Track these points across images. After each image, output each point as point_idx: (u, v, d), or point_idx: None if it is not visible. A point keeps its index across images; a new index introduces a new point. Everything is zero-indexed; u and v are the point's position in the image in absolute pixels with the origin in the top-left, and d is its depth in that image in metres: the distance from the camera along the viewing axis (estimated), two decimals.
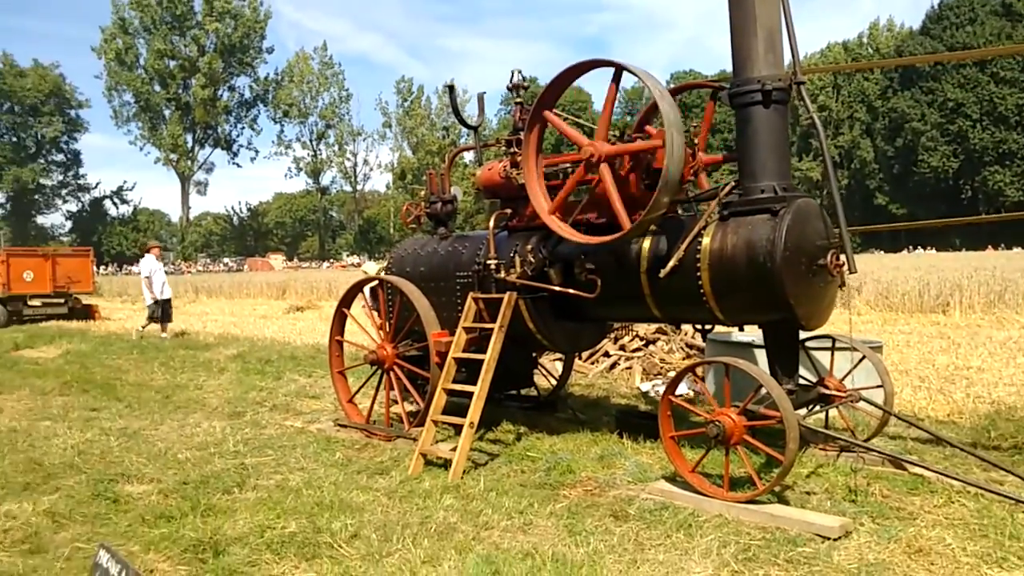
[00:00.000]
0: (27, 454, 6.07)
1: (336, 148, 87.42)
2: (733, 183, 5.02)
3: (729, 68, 5.02)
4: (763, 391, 4.54)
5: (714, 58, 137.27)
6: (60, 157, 76.14)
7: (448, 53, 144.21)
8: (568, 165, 5.60)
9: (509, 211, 6.31)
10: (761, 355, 6.52)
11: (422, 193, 7.15)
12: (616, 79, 5.12)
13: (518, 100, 6.28)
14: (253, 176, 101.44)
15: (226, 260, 79.78)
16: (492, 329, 5.70)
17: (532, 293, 5.81)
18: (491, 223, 6.06)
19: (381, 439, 6.39)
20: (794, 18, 4.89)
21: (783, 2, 4.87)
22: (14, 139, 71.65)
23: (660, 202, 4.74)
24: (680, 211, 5.49)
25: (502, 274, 5.80)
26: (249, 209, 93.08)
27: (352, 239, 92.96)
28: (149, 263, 15.01)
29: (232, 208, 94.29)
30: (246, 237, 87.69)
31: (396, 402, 6.61)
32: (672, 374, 9.02)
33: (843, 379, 5.53)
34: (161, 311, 14.84)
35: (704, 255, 4.93)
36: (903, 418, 5.65)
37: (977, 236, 61.11)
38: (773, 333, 5.18)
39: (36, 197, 74.60)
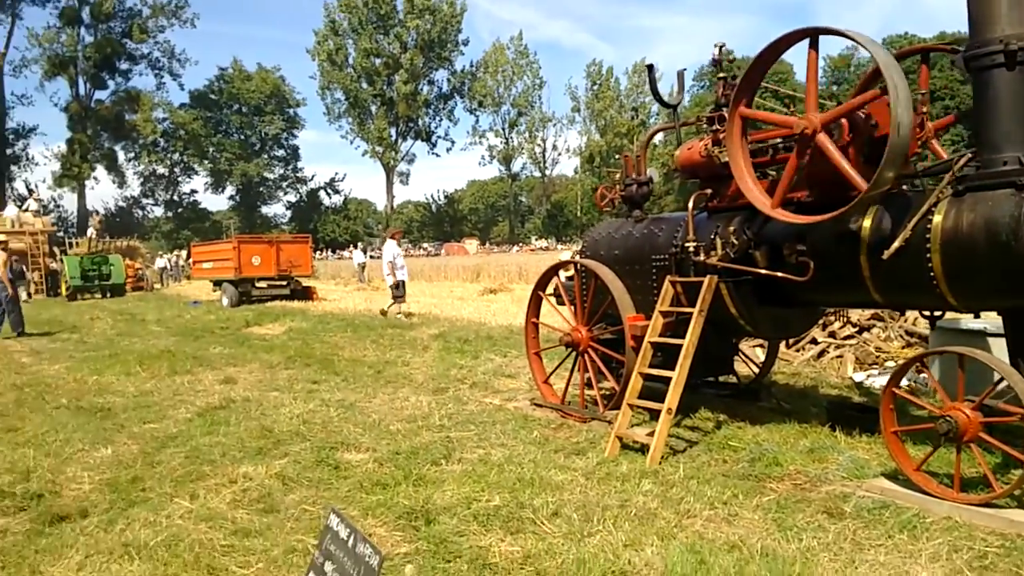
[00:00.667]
0: (259, 421, 6.71)
1: (527, 135, 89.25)
2: (969, 154, 4.49)
3: (951, 30, 4.48)
4: (1003, 384, 4.07)
5: (931, 20, 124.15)
6: (281, 152, 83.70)
7: (639, 32, 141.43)
8: (779, 141, 5.29)
9: (709, 191, 6.09)
10: (996, 344, 5.86)
11: (617, 176, 7.08)
12: (814, 46, 4.74)
13: (721, 75, 6.02)
14: (450, 165, 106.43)
15: (425, 245, 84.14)
16: (690, 313, 5.55)
17: (734, 276, 5.57)
18: (690, 204, 5.88)
19: (576, 420, 6.45)
20: None
21: None
22: (242, 137, 79.70)
23: (884, 177, 4.34)
24: (906, 187, 5.01)
25: (701, 257, 5.62)
26: (446, 196, 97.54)
27: (540, 223, 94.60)
28: (392, 248, 15.96)
29: (431, 196, 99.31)
30: (443, 223, 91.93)
31: (590, 384, 6.64)
32: (891, 364, 8.36)
33: None
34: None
35: (935, 234, 4.46)
36: None
37: None
38: (1016, 320, 4.61)
39: (261, 189, 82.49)
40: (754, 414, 6.36)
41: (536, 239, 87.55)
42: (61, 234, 39.85)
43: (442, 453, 5.50)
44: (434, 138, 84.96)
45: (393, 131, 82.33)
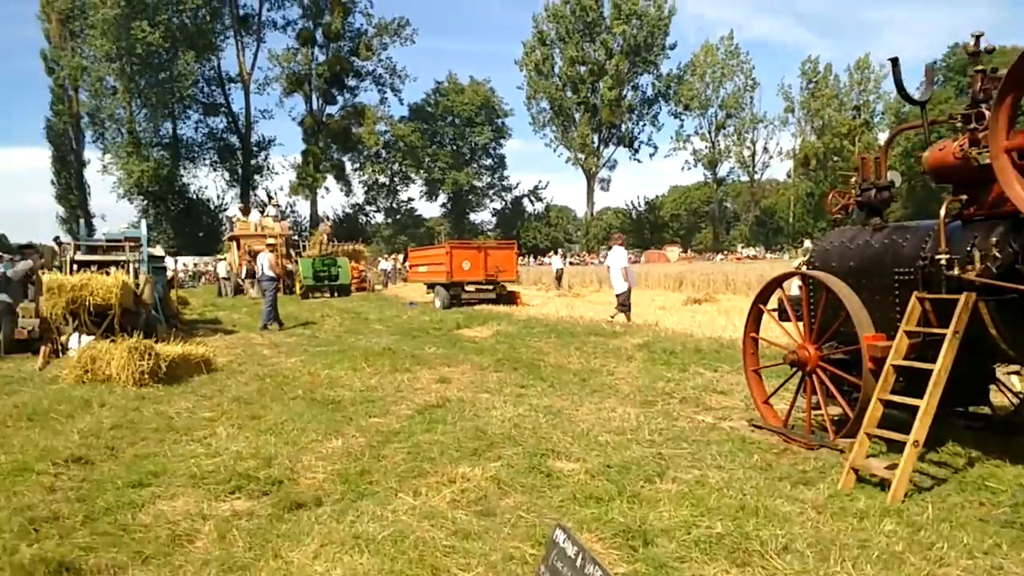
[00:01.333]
0: (473, 423, 6.89)
1: (735, 138, 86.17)
2: None
3: None
4: None
5: None
6: (488, 161, 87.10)
7: (857, 27, 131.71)
8: None
9: (964, 197, 5.40)
10: None
11: (852, 179, 6.50)
12: None
13: (979, 68, 5.33)
14: (651, 171, 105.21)
15: None
16: (941, 335, 4.94)
17: (996, 294, 4.89)
18: (942, 211, 5.24)
19: (801, 446, 5.98)
20: None
21: None
22: (454, 147, 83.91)
23: None
24: None
25: (956, 271, 4.98)
26: (646, 202, 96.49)
27: (747, 230, 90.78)
28: (622, 254, 15.95)
29: (631, 202, 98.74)
30: (643, 230, 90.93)
31: (818, 408, 6.14)
32: None
33: None
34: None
35: None
36: None
37: None
38: None
39: (469, 197, 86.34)
40: (1014, 451, 5.54)
41: (742, 247, 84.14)
42: (296, 238, 44.09)
43: (655, 470, 5.32)
44: (636, 143, 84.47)
45: (596, 137, 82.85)
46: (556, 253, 50.41)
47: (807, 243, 9.76)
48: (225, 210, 69.80)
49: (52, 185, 67.71)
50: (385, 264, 44.88)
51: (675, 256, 74.78)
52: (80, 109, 65.73)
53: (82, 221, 17.75)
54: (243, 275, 34.89)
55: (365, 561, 3.80)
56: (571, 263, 66.26)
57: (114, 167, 64.16)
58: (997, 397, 6.59)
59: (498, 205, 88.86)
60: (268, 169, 74.79)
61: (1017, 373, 7.35)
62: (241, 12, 70.31)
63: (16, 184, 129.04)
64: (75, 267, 12.59)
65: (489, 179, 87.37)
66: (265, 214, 40.27)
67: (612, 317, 15.37)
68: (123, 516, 4.48)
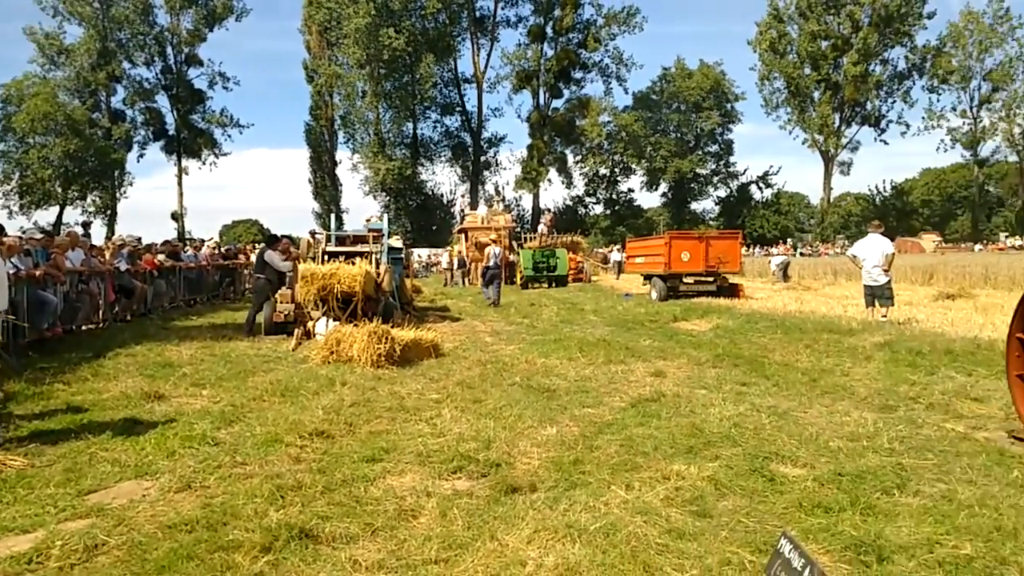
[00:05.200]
0: (689, 419, 6.65)
1: (1003, 113, 75.80)
2: None
3: None
4: None
5: None
6: (714, 148, 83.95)
7: None
8: None
9: None
10: None
11: None
12: None
13: None
14: (899, 152, 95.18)
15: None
16: None
17: None
18: None
19: None
20: None
21: None
22: (678, 135, 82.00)
23: None
24: None
25: None
26: (893, 187, 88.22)
27: (1013, 217, 79.84)
28: (883, 242, 14.25)
29: (874, 187, 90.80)
30: (888, 217, 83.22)
31: None
32: None
33: None
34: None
35: None
36: None
37: None
38: None
39: (692, 185, 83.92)
40: None
41: (1006, 236, 74.20)
42: (519, 230, 45.57)
43: (894, 482, 4.82)
44: (884, 122, 77.24)
45: (836, 117, 77.00)
46: (777, 246, 47.26)
47: None
48: (454, 205, 74.01)
49: (309, 183, 75.87)
50: (617, 256, 44.93)
51: (931, 246, 67.60)
52: (334, 113, 72.84)
53: (333, 216, 19.71)
54: (456, 265, 36.84)
55: (577, 551, 3.82)
56: (802, 254, 62.27)
57: (362, 166, 70.60)
58: None
59: (723, 193, 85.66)
60: (496, 165, 78.04)
61: None
62: (477, 14, 73.90)
63: (282, 183, 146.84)
64: (326, 257, 13.92)
65: (714, 166, 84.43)
66: (492, 210, 42.04)
67: (885, 315, 13.99)
68: (357, 488, 4.86)
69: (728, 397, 7.70)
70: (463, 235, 38.89)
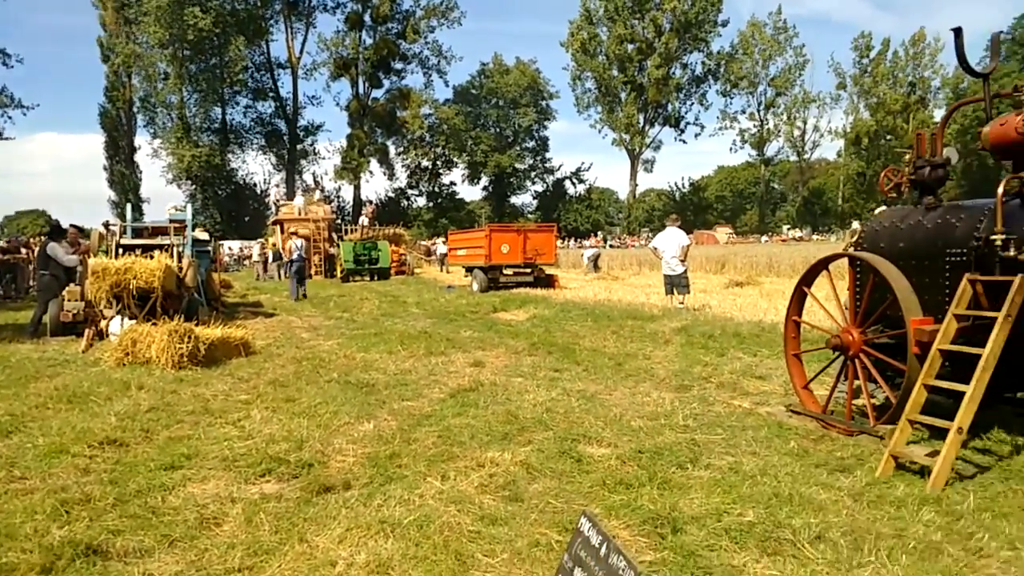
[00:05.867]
0: (505, 406, 6.80)
1: (785, 116, 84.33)
2: None
3: None
4: None
5: None
6: (531, 144, 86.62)
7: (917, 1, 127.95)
8: None
9: None
10: None
11: (906, 156, 6.24)
12: None
13: None
14: (696, 151, 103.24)
15: None
16: (992, 318, 4.72)
17: None
18: (999, 190, 4.99)
19: (840, 432, 5.79)
20: None
21: None
22: (497, 130, 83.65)
23: None
24: None
25: (1012, 252, 4.75)
26: (691, 183, 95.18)
27: (794, 211, 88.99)
28: (680, 235, 14.95)
29: (674, 184, 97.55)
30: (687, 211, 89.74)
31: (859, 393, 5.93)
32: None
33: None
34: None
35: None
36: None
37: None
38: None
39: (511, 180, 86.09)
40: None
41: (788, 228, 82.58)
42: (339, 222, 44.43)
43: (688, 456, 5.19)
44: (683, 123, 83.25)
45: (641, 117, 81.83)
46: (589, 239, 49.27)
47: (855, 224, 9.30)
48: (268, 195, 70.86)
49: (104, 171, 69.51)
50: (443, 248, 44.69)
51: (724, 238, 73.64)
52: (132, 95, 67.13)
53: (130, 206, 18.06)
54: (271, 258, 35.45)
55: (390, 546, 3.77)
56: (611, 246, 65.68)
57: (164, 152, 65.62)
58: None
59: (540, 188, 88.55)
60: (315, 154, 75.60)
61: None
62: None
63: (74, 170, 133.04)
64: (120, 251, 12.80)
65: (531, 161, 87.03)
66: (309, 199, 40.62)
67: (682, 302, 14.98)
68: (153, 499, 4.51)
69: (542, 383, 7.95)
70: (278, 226, 37.35)
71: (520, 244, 22.70)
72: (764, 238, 74.47)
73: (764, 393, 7.47)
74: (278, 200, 47.84)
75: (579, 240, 72.37)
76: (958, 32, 5.67)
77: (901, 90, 76.96)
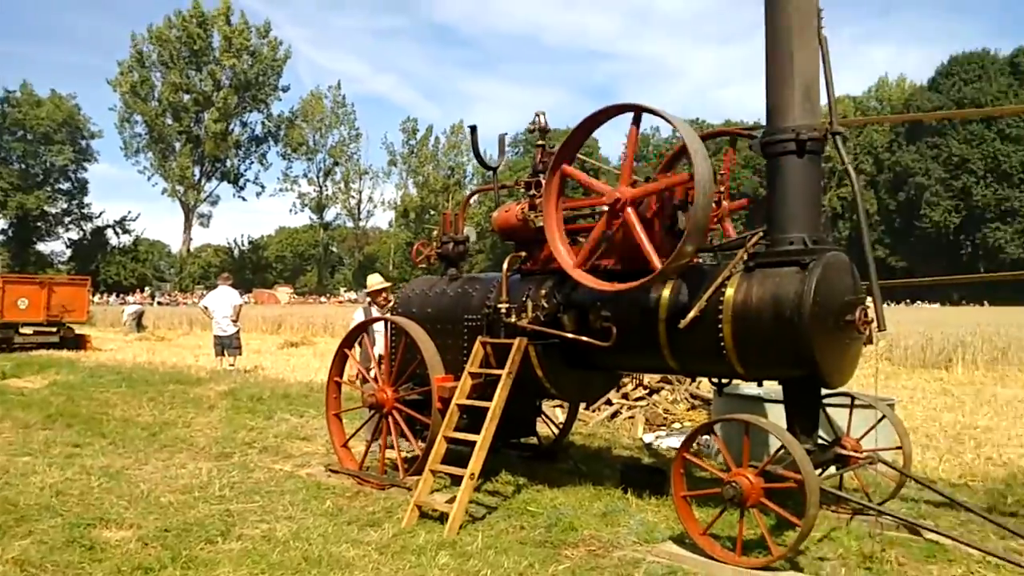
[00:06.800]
0: (3, 493, 5.73)
1: (342, 185, 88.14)
2: (761, 233, 4.80)
3: (736, 119, 4.89)
4: (782, 451, 4.30)
5: (720, 108, 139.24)
6: (67, 185, 76.26)
7: (463, 96, 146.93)
8: (588, 209, 5.42)
9: (524, 254, 6.12)
10: (772, 410, 6.28)
11: (435, 232, 6.96)
12: (636, 122, 4.96)
13: (540, 143, 6.13)
14: (258, 209, 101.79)
15: None
16: (499, 375, 5.44)
17: (543, 339, 5.55)
18: (504, 266, 5.84)
19: (374, 487, 6.06)
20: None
21: (823, 52, 4.74)
22: (22, 166, 71.87)
23: (684, 250, 4.51)
24: (703, 260, 5.28)
25: (513, 318, 5.56)
26: (250, 242, 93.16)
27: (351, 275, 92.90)
28: (232, 294, 14.70)
29: (234, 240, 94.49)
30: (245, 270, 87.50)
31: (392, 448, 6.30)
32: (677, 426, 8.77)
33: (860, 439, 5.30)
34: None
35: (727, 307, 4.69)
36: (918, 480, 5.42)
37: (976, 291, 61.34)
38: (794, 390, 4.93)
39: (39, 224, 74.53)
40: (553, 476, 6.34)
41: (345, 291, 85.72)
42: None
43: (219, 529, 4.91)
44: (242, 181, 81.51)
45: (197, 170, 77.98)
46: (134, 295, 44.78)
47: (363, 293, 10.21)
48: None
49: None
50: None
51: (286, 297, 73.13)
52: None
53: None
54: None
55: None
56: (160, 303, 60.59)
57: None
58: (543, 429, 7.49)
59: (76, 235, 78.07)
60: None
61: (560, 406, 8.50)
62: None
63: None
64: None
65: (66, 205, 76.50)
66: None
67: (232, 363, 14.23)
68: None
69: (56, 462, 6.87)
70: None
71: (43, 299, 19.70)
72: (323, 299, 76.08)
73: (307, 454, 7.48)
74: None
75: (122, 296, 65.16)
76: (473, 129, 6.60)
77: (442, 172, 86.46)
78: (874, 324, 4.63)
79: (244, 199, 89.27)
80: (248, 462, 7.07)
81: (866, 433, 5.36)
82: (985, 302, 57.57)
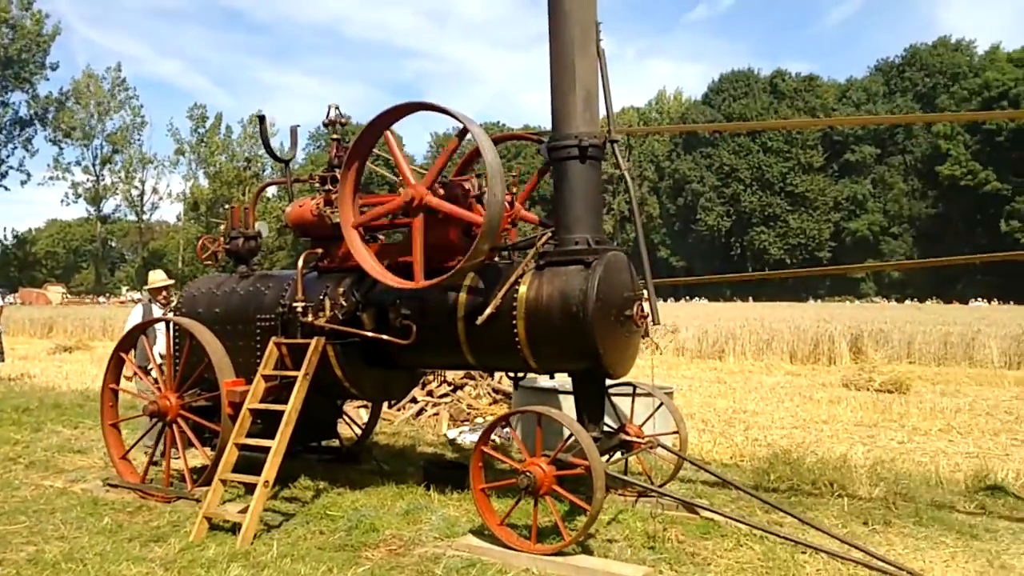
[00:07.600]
0: None
1: (123, 175, 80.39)
2: (549, 233, 5.06)
3: (535, 123, 5.15)
4: (572, 439, 4.56)
5: (521, 113, 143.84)
6: None
7: (258, 85, 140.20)
8: (384, 206, 5.41)
9: (320, 251, 5.96)
10: (566, 401, 6.64)
11: (222, 227, 6.60)
12: (461, 135, 5.03)
13: (335, 136, 6.01)
14: (23, 200, 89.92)
15: None
16: (295, 377, 5.30)
17: (342, 338, 5.47)
18: (299, 263, 5.68)
19: (158, 500, 5.68)
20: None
21: (601, 64, 5.06)
22: None
23: (479, 249, 4.66)
24: (497, 259, 5.46)
25: (309, 317, 5.42)
26: (15, 236, 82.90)
27: (134, 272, 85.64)
28: None
29: None
30: (10, 267, 77.81)
31: (178, 459, 5.93)
32: (480, 420, 8.99)
33: (642, 425, 5.71)
34: None
35: (520, 304, 4.90)
36: (694, 462, 5.90)
37: (744, 288, 68.38)
38: (582, 381, 5.24)
39: None
40: (355, 478, 6.27)
41: (128, 290, 78.79)
42: None
43: None
44: (4, 167, 72.17)
45: None
46: None
47: (144, 291, 9.38)
48: None
49: None
50: None
51: (58, 297, 65.83)
52: None
53: None
54: None
55: None
56: None
57: None
58: (345, 430, 7.40)
59: None
60: None
61: (364, 407, 8.43)
62: None
63: None
64: None
65: None
66: None
67: None
68: None
69: None
70: None
71: None
72: (102, 299, 69.48)
73: (82, 468, 6.85)
74: None
75: None
76: (262, 119, 6.34)
77: (238, 164, 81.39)
78: (649, 318, 5.04)
79: (7, 188, 79.27)
80: (12, 479, 6.38)
81: (647, 420, 5.81)
82: (751, 298, 64.24)
